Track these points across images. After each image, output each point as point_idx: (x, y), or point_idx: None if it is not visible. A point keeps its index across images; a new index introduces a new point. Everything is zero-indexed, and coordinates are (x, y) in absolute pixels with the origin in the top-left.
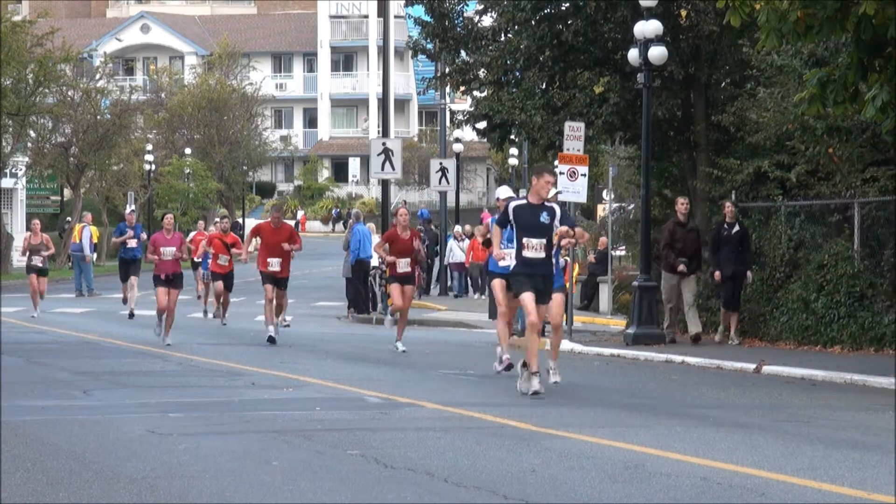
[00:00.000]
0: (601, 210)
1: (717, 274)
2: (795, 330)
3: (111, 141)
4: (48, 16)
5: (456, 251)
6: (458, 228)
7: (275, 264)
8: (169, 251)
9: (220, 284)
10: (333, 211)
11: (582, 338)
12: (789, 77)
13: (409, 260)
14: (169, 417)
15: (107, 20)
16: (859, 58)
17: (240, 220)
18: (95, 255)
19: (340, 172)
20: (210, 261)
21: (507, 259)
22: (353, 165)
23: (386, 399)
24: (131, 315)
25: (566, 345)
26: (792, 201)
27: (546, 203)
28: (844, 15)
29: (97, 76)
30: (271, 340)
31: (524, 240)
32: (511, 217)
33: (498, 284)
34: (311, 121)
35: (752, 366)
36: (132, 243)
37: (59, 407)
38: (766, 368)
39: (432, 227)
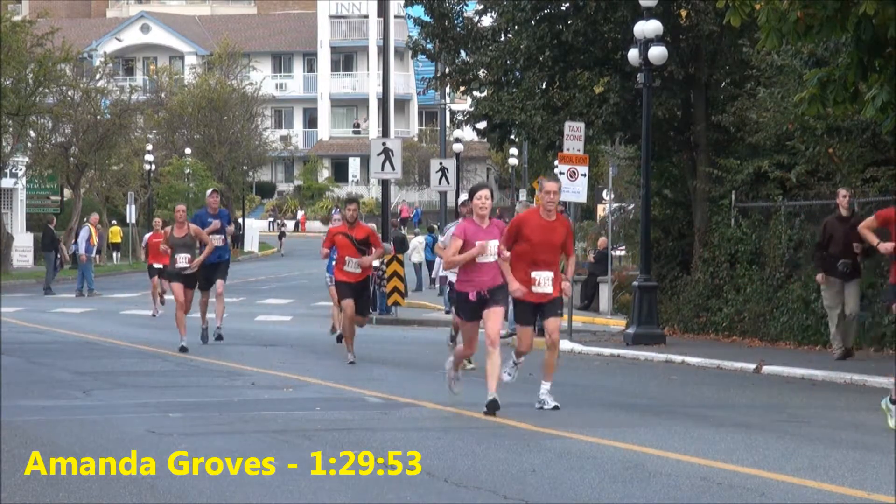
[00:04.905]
0: (601, 210)
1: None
2: (795, 330)
3: (111, 141)
4: (48, 16)
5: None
6: (440, 240)
7: (545, 283)
8: (492, 245)
9: (349, 303)
10: (333, 211)
11: (582, 338)
12: (789, 77)
13: None
14: (169, 417)
15: (107, 20)
16: (859, 58)
17: (240, 221)
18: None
19: (340, 172)
20: (334, 265)
21: None
22: (353, 165)
23: (386, 399)
24: (218, 336)
25: (566, 345)
26: (792, 201)
27: None
28: (844, 15)
29: (97, 76)
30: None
31: None
32: None
33: None
34: (311, 121)
35: (752, 366)
36: (217, 242)
37: (59, 407)
38: (766, 368)
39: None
